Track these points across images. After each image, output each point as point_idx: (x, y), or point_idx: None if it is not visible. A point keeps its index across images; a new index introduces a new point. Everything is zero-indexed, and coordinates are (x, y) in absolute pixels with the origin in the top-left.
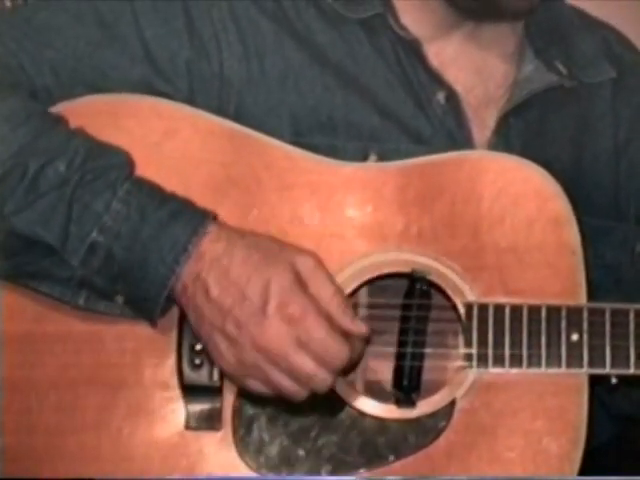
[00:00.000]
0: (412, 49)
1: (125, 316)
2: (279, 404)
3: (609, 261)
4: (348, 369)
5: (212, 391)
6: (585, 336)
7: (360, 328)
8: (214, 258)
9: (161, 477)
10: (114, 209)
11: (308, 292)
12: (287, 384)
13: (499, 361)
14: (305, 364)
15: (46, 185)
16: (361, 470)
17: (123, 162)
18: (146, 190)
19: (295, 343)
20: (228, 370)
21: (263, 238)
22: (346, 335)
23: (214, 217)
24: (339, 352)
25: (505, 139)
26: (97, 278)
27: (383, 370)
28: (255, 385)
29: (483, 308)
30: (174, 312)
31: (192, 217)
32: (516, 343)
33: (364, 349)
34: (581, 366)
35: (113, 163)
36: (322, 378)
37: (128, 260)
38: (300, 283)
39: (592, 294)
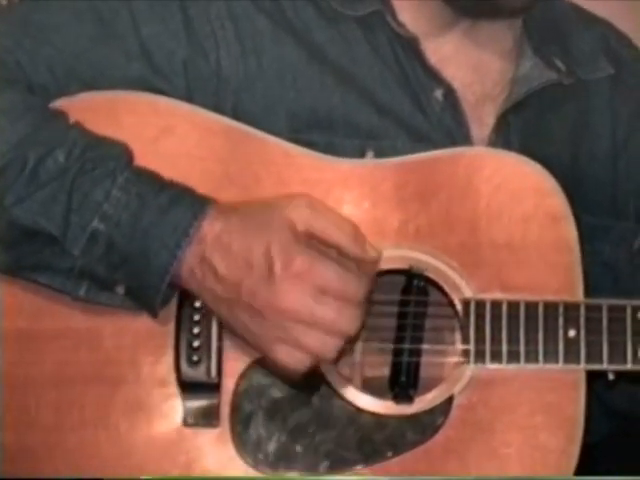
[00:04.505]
0: (410, 46)
1: (125, 307)
2: (277, 400)
3: (607, 259)
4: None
5: (210, 388)
6: (582, 332)
7: (371, 255)
8: (214, 237)
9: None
10: (114, 197)
11: (316, 237)
12: (318, 338)
13: (496, 357)
14: (331, 309)
15: (46, 175)
16: (359, 466)
17: (121, 152)
18: (145, 178)
19: (314, 295)
20: (258, 342)
21: (254, 204)
22: (360, 267)
23: (213, 202)
24: (358, 283)
25: (504, 137)
26: (98, 267)
27: (380, 366)
28: (288, 352)
29: (480, 304)
30: (172, 308)
31: (192, 202)
32: (513, 339)
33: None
34: (578, 362)
35: (112, 153)
36: (350, 315)
37: (129, 247)
38: (299, 236)
39: (588, 291)
